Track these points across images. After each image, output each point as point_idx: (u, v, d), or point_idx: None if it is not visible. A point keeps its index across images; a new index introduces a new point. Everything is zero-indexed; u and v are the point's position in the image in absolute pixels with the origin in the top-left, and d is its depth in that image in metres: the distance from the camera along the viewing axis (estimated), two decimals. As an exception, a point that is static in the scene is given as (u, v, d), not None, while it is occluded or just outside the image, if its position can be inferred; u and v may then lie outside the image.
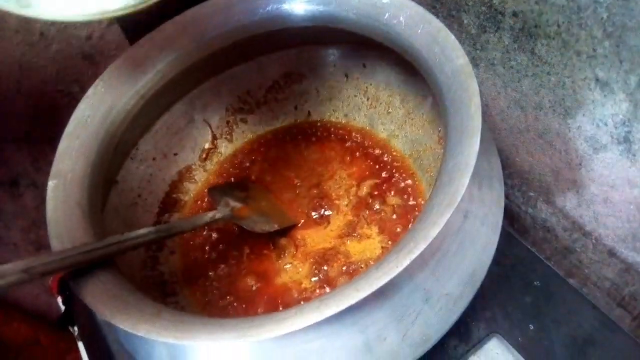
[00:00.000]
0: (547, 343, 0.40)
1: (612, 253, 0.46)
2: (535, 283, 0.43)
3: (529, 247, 0.46)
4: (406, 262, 0.26)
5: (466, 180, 0.27)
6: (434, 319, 0.31)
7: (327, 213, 0.46)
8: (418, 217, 0.28)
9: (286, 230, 0.45)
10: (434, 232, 0.26)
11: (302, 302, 0.39)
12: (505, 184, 0.54)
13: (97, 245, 0.32)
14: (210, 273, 0.44)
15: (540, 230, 0.54)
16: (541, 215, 0.52)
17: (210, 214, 0.42)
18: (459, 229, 0.32)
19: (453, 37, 0.34)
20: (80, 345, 0.52)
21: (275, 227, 0.44)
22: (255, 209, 0.45)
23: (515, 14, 0.39)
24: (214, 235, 0.47)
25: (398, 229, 0.43)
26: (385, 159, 0.48)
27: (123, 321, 0.27)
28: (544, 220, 0.52)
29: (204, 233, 0.47)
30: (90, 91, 0.40)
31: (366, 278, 0.26)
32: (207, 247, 0.46)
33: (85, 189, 0.36)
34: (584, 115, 0.39)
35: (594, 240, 0.47)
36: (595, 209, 0.45)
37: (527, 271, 0.44)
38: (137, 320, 0.27)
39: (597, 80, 0.36)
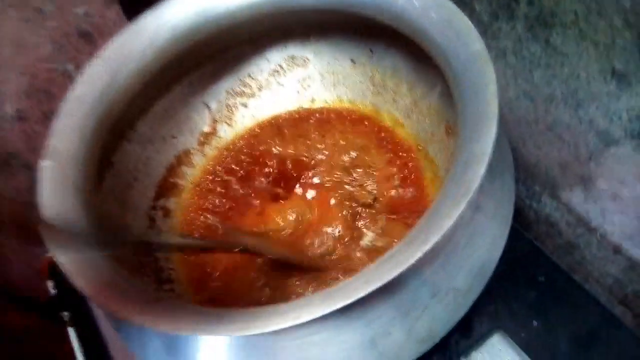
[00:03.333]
0: (551, 339, 0.39)
1: (617, 250, 0.46)
2: (539, 278, 0.42)
3: (534, 241, 0.45)
4: (418, 255, 0.24)
5: (482, 170, 0.26)
6: (441, 314, 0.30)
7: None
8: (430, 208, 0.27)
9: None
10: (447, 224, 0.25)
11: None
12: (510, 177, 0.53)
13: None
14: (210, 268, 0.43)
15: (543, 225, 0.53)
16: (545, 210, 0.51)
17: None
18: (469, 222, 0.31)
19: (469, 21, 0.33)
20: (71, 331, 0.51)
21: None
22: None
23: (530, 2, 0.38)
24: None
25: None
26: (391, 147, 0.47)
27: (118, 309, 0.26)
28: (547, 215, 0.51)
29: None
30: (86, 68, 0.38)
31: (376, 270, 0.25)
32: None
33: (81, 170, 0.35)
34: (597, 108, 0.38)
35: (598, 237, 0.47)
36: (602, 205, 0.44)
37: (532, 266, 0.43)
38: (133, 309, 0.26)
39: (613, 72, 0.35)
